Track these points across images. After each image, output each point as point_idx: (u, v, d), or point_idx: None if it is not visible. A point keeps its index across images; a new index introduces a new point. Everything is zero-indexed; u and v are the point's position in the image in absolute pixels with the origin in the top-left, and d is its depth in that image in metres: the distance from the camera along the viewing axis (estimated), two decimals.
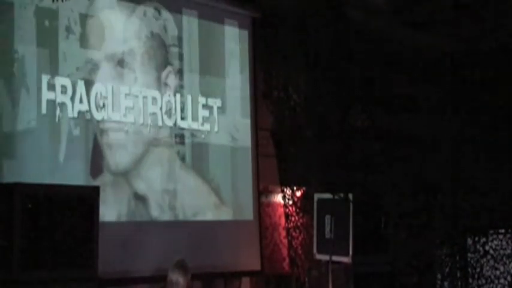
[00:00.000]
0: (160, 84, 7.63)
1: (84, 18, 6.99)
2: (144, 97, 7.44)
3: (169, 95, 7.67)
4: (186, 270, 6.40)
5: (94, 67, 7.06)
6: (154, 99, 7.53)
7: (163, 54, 7.69)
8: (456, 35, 7.56)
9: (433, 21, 7.63)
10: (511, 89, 7.66)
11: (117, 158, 7.15)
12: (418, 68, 7.97)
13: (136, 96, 7.37)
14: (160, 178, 7.50)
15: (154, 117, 7.52)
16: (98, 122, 7.03)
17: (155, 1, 7.65)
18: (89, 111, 6.95)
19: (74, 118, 6.81)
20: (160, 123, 7.56)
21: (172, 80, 7.73)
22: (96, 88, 7.04)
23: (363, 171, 8.04)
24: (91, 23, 7.07)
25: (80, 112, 6.87)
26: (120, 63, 7.28)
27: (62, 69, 6.77)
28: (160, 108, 7.58)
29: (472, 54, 7.68)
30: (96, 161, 6.97)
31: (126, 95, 7.29)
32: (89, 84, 6.98)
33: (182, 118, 7.78)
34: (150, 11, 7.60)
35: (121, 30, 7.35)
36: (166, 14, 7.75)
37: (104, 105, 7.06)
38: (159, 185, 7.48)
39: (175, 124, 7.71)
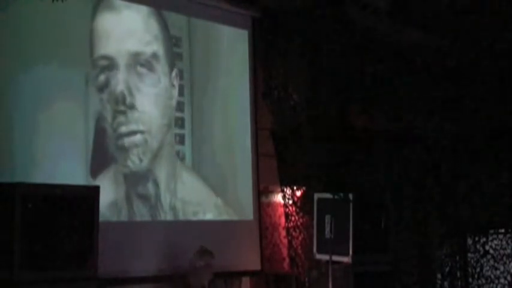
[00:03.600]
0: (170, 86, 7.70)
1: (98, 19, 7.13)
2: (155, 97, 7.51)
3: (173, 96, 7.72)
4: (210, 254, 6.78)
5: (112, 67, 7.14)
6: (165, 100, 7.61)
7: (171, 55, 7.74)
8: (456, 36, 7.56)
9: (433, 20, 7.64)
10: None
11: (129, 158, 7.21)
12: (418, 68, 7.97)
13: (152, 97, 7.46)
14: (161, 178, 7.51)
15: (163, 117, 7.57)
16: (113, 121, 7.10)
17: (157, 1, 7.66)
18: (104, 109, 7.03)
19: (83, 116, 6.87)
20: (165, 123, 7.60)
21: (178, 81, 7.77)
22: (112, 87, 7.11)
23: (363, 171, 8.05)
24: (110, 23, 7.18)
25: (92, 110, 6.95)
26: (140, 64, 7.38)
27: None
28: (167, 108, 7.64)
29: (473, 54, 7.68)
30: (97, 160, 6.97)
31: (143, 95, 7.36)
32: (104, 83, 7.06)
33: (182, 118, 7.78)
34: (154, 11, 7.63)
35: (139, 32, 7.48)
36: (166, 14, 7.75)
37: (122, 102, 7.14)
38: (160, 184, 7.48)
39: (175, 124, 7.71)
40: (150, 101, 7.41)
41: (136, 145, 7.23)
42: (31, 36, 6.57)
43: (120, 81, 7.15)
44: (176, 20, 7.84)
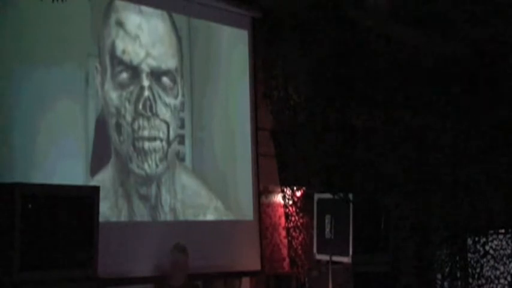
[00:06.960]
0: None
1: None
2: (174, 108, 7.66)
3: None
4: (184, 250, 6.82)
5: (137, 69, 7.28)
6: (180, 110, 7.76)
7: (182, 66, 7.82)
8: (458, 37, 7.56)
9: (435, 21, 7.63)
10: None
11: (146, 161, 7.31)
12: (418, 68, 7.97)
13: (172, 109, 7.61)
14: (164, 180, 7.51)
15: (178, 128, 7.69)
16: (133, 121, 7.21)
17: (157, 2, 7.66)
18: (122, 105, 7.12)
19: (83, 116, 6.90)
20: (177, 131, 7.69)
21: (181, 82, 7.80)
22: (135, 89, 7.23)
23: (363, 171, 8.04)
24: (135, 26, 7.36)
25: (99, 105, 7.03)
26: (164, 74, 7.55)
27: None
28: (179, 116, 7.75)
29: (474, 55, 7.68)
30: (98, 159, 6.97)
31: (165, 105, 7.52)
32: (126, 82, 7.19)
33: (182, 118, 7.78)
34: (172, 23, 7.76)
35: (165, 42, 7.66)
36: (167, 15, 7.76)
37: (149, 108, 7.31)
38: (162, 186, 7.48)
39: (175, 124, 7.73)
40: (169, 112, 7.57)
41: (155, 151, 7.37)
42: (31, 36, 6.57)
43: (146, 87, 7.33)
44: (176, 20, 7.84)
